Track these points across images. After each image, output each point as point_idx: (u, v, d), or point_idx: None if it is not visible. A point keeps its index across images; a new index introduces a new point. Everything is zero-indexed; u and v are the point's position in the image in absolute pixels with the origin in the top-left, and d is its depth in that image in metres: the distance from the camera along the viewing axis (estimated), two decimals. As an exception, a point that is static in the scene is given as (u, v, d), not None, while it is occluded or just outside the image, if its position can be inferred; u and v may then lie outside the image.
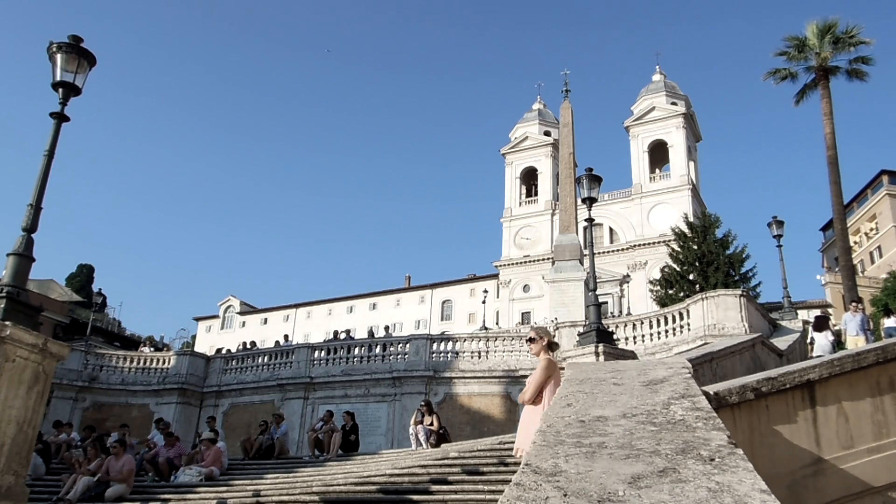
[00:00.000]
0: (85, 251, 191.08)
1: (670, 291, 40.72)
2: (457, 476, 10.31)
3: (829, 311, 27.25)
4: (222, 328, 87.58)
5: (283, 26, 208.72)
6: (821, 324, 16.89)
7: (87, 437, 16.96)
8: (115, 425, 20.41)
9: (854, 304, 17.20)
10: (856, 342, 15.20)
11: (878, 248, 64.21)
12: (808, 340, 17.97)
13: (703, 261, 40.37)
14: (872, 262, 64.40)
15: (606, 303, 61.52)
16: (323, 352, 25.35)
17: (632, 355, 15.40)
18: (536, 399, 6.20)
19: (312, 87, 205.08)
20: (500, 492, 5.36)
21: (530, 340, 6.52)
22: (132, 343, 60.13)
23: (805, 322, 25.16)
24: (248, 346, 33.75)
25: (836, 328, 18.39)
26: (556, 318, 32.64)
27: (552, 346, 6.51)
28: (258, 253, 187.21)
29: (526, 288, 70.82)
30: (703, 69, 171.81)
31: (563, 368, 7.06)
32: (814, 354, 16.08)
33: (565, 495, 2.55)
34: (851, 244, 38.13)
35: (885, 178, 64.57)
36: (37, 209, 8.70)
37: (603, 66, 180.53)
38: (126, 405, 25.96)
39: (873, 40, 29.11)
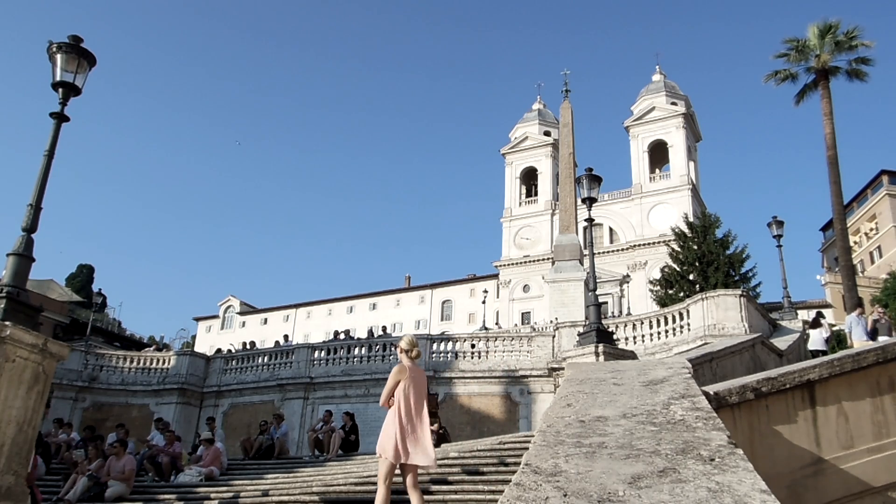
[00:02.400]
0: (85, 251, 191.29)
1: (670, 291, 40.72)
2: (457, 476, 10.31)
3: (829, 310, 27.30)
4: (222, 328, 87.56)
5: (284, 26, 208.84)
6: (816, 321, 18.14)
7: (87, 437, 16.95)
8: (115, 425, 20.39)
9: (859, 308, 17.22)
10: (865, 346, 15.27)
11: (878, 248, 64.22)
12: (804, 335, 19.19)
13: (703, 261, 40.37)
14: (872, 262, 64.40)
15: (606, 303, 61.52)
16: (323, 352, 25.34)
17: (632, 355, 15.39)
18: (391, 402, 6.79)
19: (312, 86, 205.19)
20: (500, 492, 5.36)
21: (393, 346, 7.13)
22: (132, 343, 60.13)
23: (805, 322, 25.17)
24: (248, 347, 33.77)
25: (837, 328, 18.40)
26: (556, 318, 32.67)
27: (414, 355, 7.10)
28: (258, 253, 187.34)
29: (526, 288, 70.83)
30: (703, 69, 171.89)
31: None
32: (809, 348, 17.42)
33: (565, 495, 2.55)
34: (851, 244, 38.14)
35: (885, 178, 64.59)
36: (37, 209, 8.70)
37: (603, 66, 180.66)
38: (126, 405, 25.95)
39: (874, 42, 29.15)
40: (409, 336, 7.58)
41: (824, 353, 16.70)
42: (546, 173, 76.69)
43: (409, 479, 6.66)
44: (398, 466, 6.68)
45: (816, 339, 17.15)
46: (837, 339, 22.93)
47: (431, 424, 15.53)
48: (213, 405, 25.92)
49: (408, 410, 6.73)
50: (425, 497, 9.50)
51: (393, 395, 6.84)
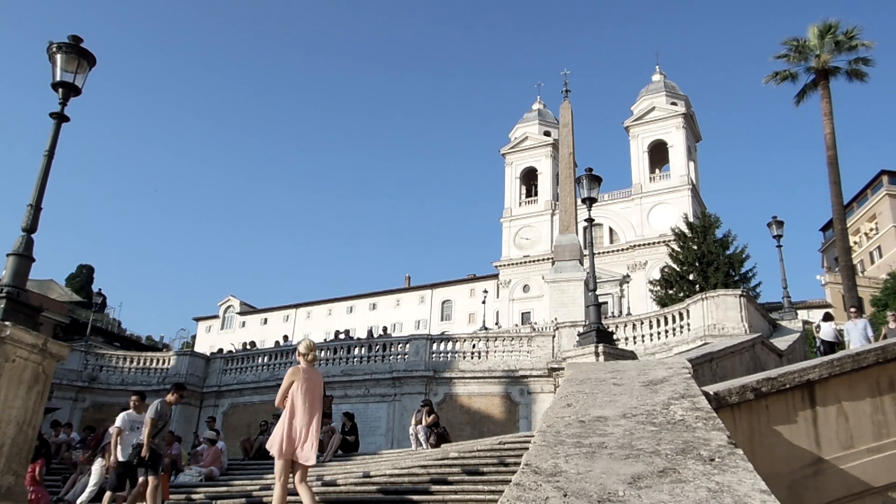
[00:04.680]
0: (85, 251, 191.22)
1: (670, 292, 40.73)
2: (457, 476, 10.31)
3: (830, 310, 27.38)
4: (222, 328, 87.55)
5: (284, 26, 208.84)
6: (828, 316, 18.94)
7: (87, 437, 16.95)
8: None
9: (853, 310, 16.92)
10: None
11: (878, 248, 64.22)
12: (815, 327, 19.80)
13: (703, 261, 40.37)
14: (872, 262, 64.40)
15: (606, 303, 61.53)
16: (323, 352, 25.35)
17: (632, 355, 15.39)
18: (285, 402, 7.10)
19: (312, 86, 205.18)
20: (501, 492, 5.36)
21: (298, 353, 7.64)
22: (132, 343, 60.17)
23: (805, 322, 25.17)
24: (249, 347, 33.78)
25: (839, 328, 18.35)
26: (556, 318, 32.65)
27: (310, 358, 7.48)
28: (258, 253, 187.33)
29: (526, 288, 70.83)
30: (703, 69, 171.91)
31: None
32: (819, 336, 18.15)
33: (565, 495, 2.55)
34: (851, 244, 38.13)
35: (885, 178, 64.58)
36: (37, 209, 8.70)
37: (603, 66, 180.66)
38: (126, 405, 25.92)
39: (874, 42, 29.12)
40: (307, 340, 7.91)
41: (833, 344, 17.09)
42: (546, 173, 76.71)
43: (297, 476, 7.01)
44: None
45: (827, 331, 17.60)
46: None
47: (431, 424, 15.56)
48: (213, 405, 25.93)
49: (299, 411, 7.00)
50: (425, 497, 9.51)
51: (287, 396, 7.10)
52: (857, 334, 15.39)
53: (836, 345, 16.88)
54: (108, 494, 9.62)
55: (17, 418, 7.69)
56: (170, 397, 9.69)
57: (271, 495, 10.02)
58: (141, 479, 9.21)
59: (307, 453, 6.93)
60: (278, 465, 6.96)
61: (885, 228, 63.26)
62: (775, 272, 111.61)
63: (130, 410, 10.25)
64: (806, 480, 6.47)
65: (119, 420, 9.99)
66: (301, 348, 7.54)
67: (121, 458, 9.58)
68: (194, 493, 12.05)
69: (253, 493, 11.27)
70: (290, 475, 7.09)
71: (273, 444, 6.96)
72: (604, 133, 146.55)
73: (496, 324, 63.81)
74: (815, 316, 32.95)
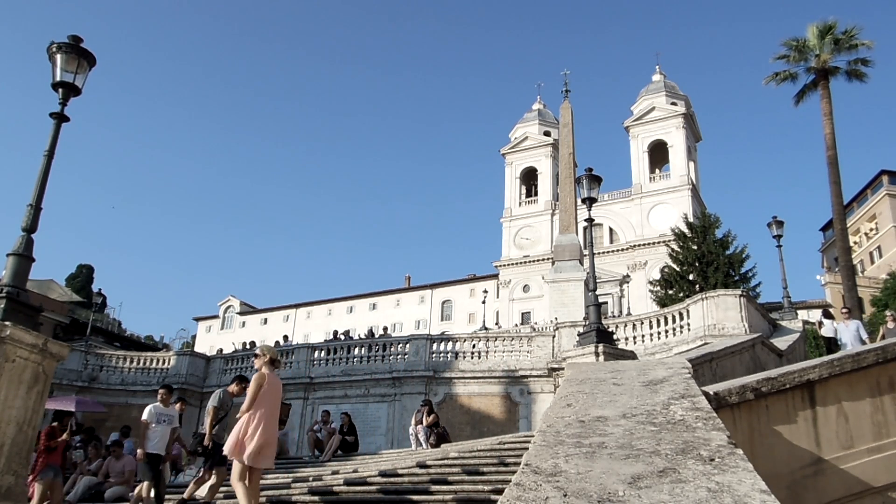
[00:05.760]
0: (85, 251, 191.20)
1: (670, 292, 40.72)
2: (457, 476, 10.30)
3: (830, 310, 27.56)
4: (222, 328, 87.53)
5: (283, 26, 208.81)
6: (827, 314, 19.47)
7: (86, 437, 16.94)
8: (115, 426, 20.39)
9: (845, 311, 16.79)
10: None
11: (878, 248, 64.20)
12: (818, 323, 19.83)
13: (702, 261, 40.37)
14: (872, 262, 64.39)
15: (606, 303, 61.51)
16: (323, 352, 25.34)
17: (632, 355, 15.38)
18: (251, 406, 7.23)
19: (312, 86, 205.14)
20: (500, 492, 5.36)
21: (255, 356, 7.65)
22: (132, 343, 60.15)
23: (805, 322, 25.14)
24: (249, 347, 33.76)
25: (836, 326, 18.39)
26: (556, 318, 32.65)
27: (274, 363, 7.55)
28: (258, 253, 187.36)
29: (526, 288, 70.81)
30: (703, 69, 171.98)
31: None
32: (821, 333, 18.41)
33: (565, 495, 2.55)
34: (851, 244, 38.12)
35: (884, 178, 64.57)
36: (37, 209, 8.69)
37: (603, 66, 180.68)
38: (126, 405, 25.93)
39: (874, 42, 29.12)
40: (267, 345, 8.02)
41: (833, 340, 17.07)
42: (546, 173, 76.69)
43: (240, 474, 7.07)
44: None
45: (829, 328, 17.78)
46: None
47: (431, 424, 15.56)
48: (213, 405, 25.90)
49: (260, 415, 7.15)
50: (425, 497, 9.51)
51: (255, 402, 7.22)
52: (849, 336, 15.22)
53: (835, 342, 16.90)
54: (145, 485, 9.71)
55: (17, 418, 7.68)
56: (232, 388, 9.75)
57: (272, 495, 10.04)
58: (202, 471, 9.36)
59: (270, 459, 7.21)
60: (238, 468, 7.05)
61: (885, 228, 63.25)
62: (775, 272, 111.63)
63: (157, 403, 10.29)
64: (806, 480, 6.47)
65: (146, 413, 10.06)
66: (264, 354, 7.63)
67: (149, 451, 9.67)
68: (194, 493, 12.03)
69: (184, 495, 11.23)
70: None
71: (233, 449, 7.05)
72: (604, 133, 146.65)
73: (496, 324, 63.79)
74: (815, 316, 32.97)
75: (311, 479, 11.62)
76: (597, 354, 13.90)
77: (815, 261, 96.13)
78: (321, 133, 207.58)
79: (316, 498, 10.09)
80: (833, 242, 45.70)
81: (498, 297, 71.24)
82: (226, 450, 7.25)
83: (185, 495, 9.73)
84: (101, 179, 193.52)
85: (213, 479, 9.31)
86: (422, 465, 11.23)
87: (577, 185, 21.47)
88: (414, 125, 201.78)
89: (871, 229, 66.12)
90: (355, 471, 11.88)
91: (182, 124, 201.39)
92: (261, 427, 7.07)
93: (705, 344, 17.08)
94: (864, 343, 14.69)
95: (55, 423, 10.41)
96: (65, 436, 10.37)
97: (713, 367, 13.23)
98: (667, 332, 20.20)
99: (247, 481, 7.05)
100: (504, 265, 73.48)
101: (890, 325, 14.97)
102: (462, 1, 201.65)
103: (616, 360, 11.81)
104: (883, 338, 14.26)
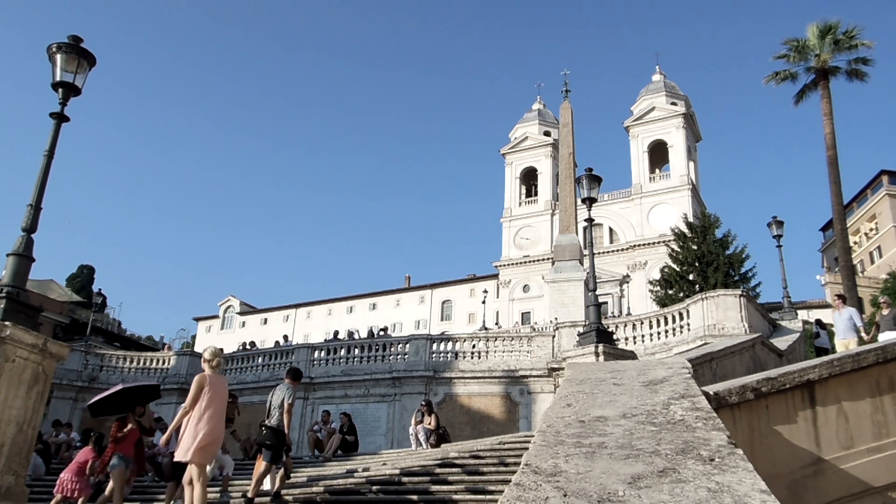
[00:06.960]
0: (85, 251, 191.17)
1: (670, 292, 40.74)
2: (457, 476, 10.31)
3: (829, 311, 27.72)
4: (222, 328, 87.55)
5: (284, 26, 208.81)
6: (821, 325, 19.84)
7: (86, 438, 16.95)
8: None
9: (837, 298, 16.12)
10: (846, 345, 14.11)
11: (878, 248, 64.22)
12: (814, 334, 20.20)
13: (702, 261, 40.38)
14: (872, 262, 64.40)
15: (606, 303, 61.52)
16: (322, 352, 25.32)
17: (632, 355, 15.38)
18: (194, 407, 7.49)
19: (312, 86, 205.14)
20: (500, 492, 5.36)
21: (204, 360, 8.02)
22: (132, 343, 60.17)
23: (805, 322, 25.16)
24: (248, 347, 33.76)
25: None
26: (556, 318, 32.64)
27: (214, 364, 7.89)
28: (258, 253, 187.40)
29: (526, 288, 70.81)
30: (703, 69, 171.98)
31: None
32: (815, 343, 18.95)
33: (565, 495, 2.55)
34: (851, 244, 38.11)
35: (884, 178, 64.59)
36: (37, 209, 8.70)
37: (603, 66, 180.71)
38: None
39: (874, 42, 29.10)
40: (211, 348, 8.26)
41: (826, 350, 17.51)
42: (546, 173, 76.69)
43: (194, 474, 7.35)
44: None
45: (824, 339, 18.43)
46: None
47: (431, 424, 15.56)
48: (213, 405, 25.91)
49: (207, 416, 7.42)
50: (425, 497, 9.51)
51: (197, 402, 7.51)
52: (842, 324, 14.89)
53: (829, 351, 16.97)
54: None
55: (17, 418, 7.69)
56: (288, 382, 10.04)
57: (271, 496, 10.04)
58: (266, 463, 9.69)
59: (222, 458, 7.52)
60: (195, 469, 7.29)
61: (885, 228, 63.26)
62: (775, 272, 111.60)
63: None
64: (806, 480, 6.47)
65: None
66: (206, 355, 7.91)
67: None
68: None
69: (248, 494, 11.24)
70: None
71: (184, 450, 7.24)
72: (604, 133, 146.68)
73: (496, 324, 63.78)
74: (815, 316, 33.00)
75: (310, 478, 11.63)
76: (597, 354, 13.90)
77: (815, 261, 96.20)
78: (321, 133, 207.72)
79: (316, 498, 10.11)
80: (833, 242, 45.70)
81: (498, 297, 71.25)
82: (176, 454, 7.44)
83: (249, 494, 9.92)
84: (101, 179, 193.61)
85: (281, 471, 9.90)
86: (422, 465, 11.24)
87: (577, 185, 21.47)
88: (414, 125, 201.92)
89: (871, 229, 66.12)
90: (355, 470, 11.87)
91: (182, 124, 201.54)
92: (208, 426, 7.33)
93: (705, 344, 17.08)
94: (857, 330, 14.64)
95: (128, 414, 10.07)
96: (131, 425, 9.80)
97: (713, 367, 13.23)
98: (667, 332, 20.19)
99: (189, 479, 7.34)
100: (504, 265, 73.48)
101: (885, 311, 14.80)
102: (462, 1, 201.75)
103: (616, 360, 11.81)
104: (877, 325, 14.27)
